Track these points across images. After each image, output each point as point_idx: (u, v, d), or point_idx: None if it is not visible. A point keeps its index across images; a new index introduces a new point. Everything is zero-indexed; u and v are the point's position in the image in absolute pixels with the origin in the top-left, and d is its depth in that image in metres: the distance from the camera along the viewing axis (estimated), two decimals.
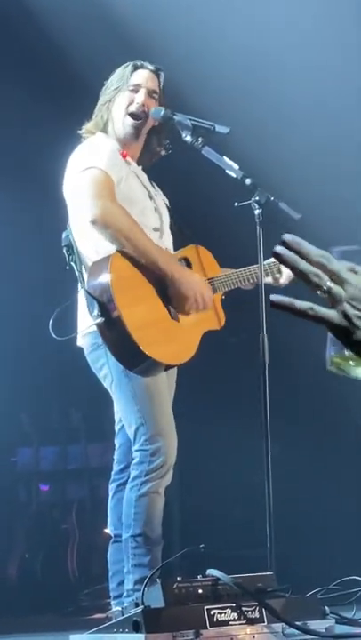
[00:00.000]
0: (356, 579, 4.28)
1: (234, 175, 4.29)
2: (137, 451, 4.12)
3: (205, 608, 3.59)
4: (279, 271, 4.42)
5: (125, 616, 3.60)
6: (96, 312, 3.98)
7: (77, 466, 7.11)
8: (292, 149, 6.44)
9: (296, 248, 1.47)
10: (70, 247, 4.24)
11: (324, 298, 1.49)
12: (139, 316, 4.01)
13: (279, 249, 1.47)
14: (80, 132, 4.35)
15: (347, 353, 1.55)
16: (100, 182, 4.08)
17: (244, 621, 3.63)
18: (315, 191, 6.11)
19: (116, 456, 4.33)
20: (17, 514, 7.01)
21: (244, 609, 3.64)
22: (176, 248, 4.40)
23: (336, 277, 1.48)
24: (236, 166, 4.29)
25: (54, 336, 4.07)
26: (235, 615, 3.62)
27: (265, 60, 6.39)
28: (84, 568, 6.59)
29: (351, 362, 1.57)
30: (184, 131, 4.31)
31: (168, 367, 4.17)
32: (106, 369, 4.17)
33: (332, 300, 1.48)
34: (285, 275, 4.43)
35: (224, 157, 4.31)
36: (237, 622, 3.62)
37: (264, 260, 4.28)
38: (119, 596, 4.12)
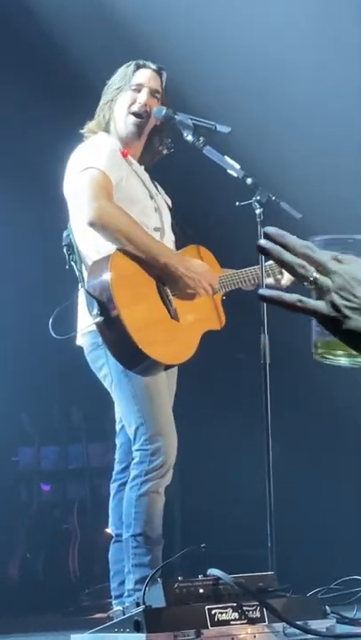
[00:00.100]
0: (356, 578, 4.28)
1: (235, 175, 4.29)
2: (137, 450, 4.12)
3: (206, 608, 3.59)
4: (281, 272, 4.42)
5: (126, 616, 3.61)
6: (95, 311, 3.98)
7: (78, 465, 7.10)
8: (293, 149, 6.44)
9: (280, 240, 1.47)
10: (71, 246, 4.24)
11: (311, 289, 1.49)
12: (138, 315, 4.01)
13: (263, 242, 1.47)
14: (82, 131, 4.35)
15: (331, 340, 1.55)
16: (97, 183, 4.08)
17: (245, 621, 3.63)
18: (316, 191, 6.11)
19: (117, 456, 4.34)
20: (18, 513, 7.01)
21: (245, 608, 3.64)
22: (178, 248, 4.40)
23: (322, 268, 1.48)
24: (237, 166, 4.30)
25: (54, 335, 4.07)
26: (236, 615, 3.63)
27: (266, 59, 6.38)
28: (85, 568, 6.59)
29: (339, 351, 1.58)
30: (185, 130, 4.32)
31: (168, 367, 4.18)
32: (105, 369, 4.17)
33: (320, 291, 1.48)
34: (287, 276, 4.43)
35: (225, 157, 4.31)
36: (238, 622, 3.62)
37: (265, 260, 4.28)
38: (120, 596, 4.12)
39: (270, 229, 1.48)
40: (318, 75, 6.45)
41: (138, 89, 4.33)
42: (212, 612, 3.59)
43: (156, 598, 3.60)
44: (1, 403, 6.61)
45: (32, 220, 6.55)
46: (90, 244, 4.15)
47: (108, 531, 4.33)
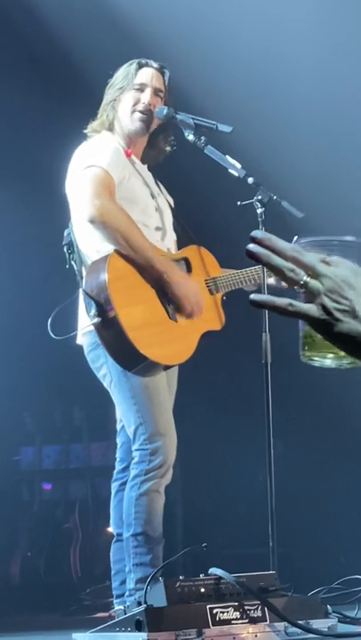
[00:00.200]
0: (358, 578, 4.28)
1: (236, 174, 4.29)
2: (136, 450, 4.12)
3: (208, 607, 3.59)
4: None
5: (128, 615, 3.61)
6: (93, 312, 3.98)
7: (80, 465, 7.11)
8: (294, 148, 6.44)
9: (268, 244, 1.47)
10: (71, 245, 4.24)
11: (301, 292, 1.49)
12: (136, 316, 4.01)
13: (251, 246, 1.47)
14: (85, 131, 4.35)
15: (318, 342, 1.55)
16: (100, 181, 4.08)
17: (246, 620, 3.63)
18: (317, 190, 6.11)
19: (117, 455, 4.34)
20: (19, 513, 7.01)
21: (246, 608, 3.64)
22: (180, 248, 4.40)
23: (311, 271, 1.48)
24: (238, 165, 4.29)
25: (52, 336, 4.07)
26: (237, 614, 3.63)
27: (268, 58, 6.38)
28: (86, 567, 6.59)
29: (326, 352, 1.58)
30: (187, 130, 4.31)
31: (167, 367, 4.17)
32: (105, 368, 4.17)
33: (310, 295, 1.48)
34: None
35: (227, 156, 4.31)
36: (240, 621, 3.62)
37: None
38: (121, 595, 4.12)
39: (258, 233, 1.48)
40: (320, 73, 6.45)
41: (141, 89, 4.32)
42: (214, 611, 3.59)
43: (158, 597, 3.60)
44: (2, 402, 6.61)
45: (33, 220, 6.55)
46: (90, 244, 4.14)
47: (110, 530, 4.34)
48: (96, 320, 3.96)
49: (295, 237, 4.14)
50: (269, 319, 4.21)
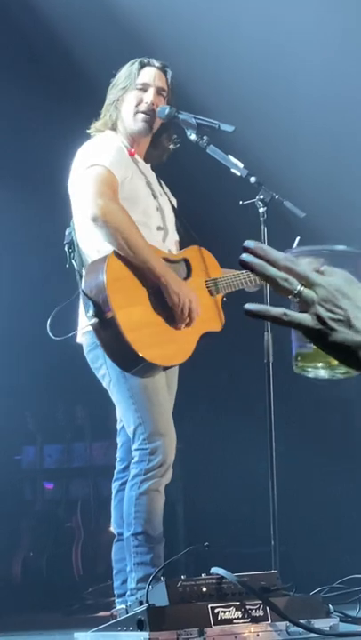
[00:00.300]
0: (359, 577, 4.28)
1: (238, 174, 4.29)
2: (136, 450, 4.12)
3: (209, 606, 3.59)
4: None
5: (130, 614, 3.61)
6: (91, 312, 3.97)
7: (82, 464, 7.11)
8: (296, 148, 6.44)
9: (261, 254, 1.46)
10: (72, 245, 4.24)
11: (295, 302, 1.48)
12: (134, 317, 4.01)
13: (245, 256, 1.46)
14: (89, 131, 4.35)
15: (311, 352, 1.55)
16: (103, 180, 4.08)
17: (248, 620, 3.63)
18: (319, 189, 6.11)
19: (118, 455, 4.34)
20: (21, 512, 7.02)
21: (248, 607, 3.64)
22: (182, 248, 4.39)
23: (305, 281, 1.47)
24: (240, 164, 4.29)
25: (51, 336, 4.07)
26: (239, 613, 3.63)
27: (270, 57, 6.38)
28: (88, 566, 6.59)
29: (320, 363, 1.57)
30: (189, 129, 4.31)
31: (166, 368, 4.17)
32: (104, 368, 4.17)
33: (304, 304, 1.47)
34: None
35: (229, 156, 4.31)
36: (241, 621, 3.62)
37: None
38: (123, 595, 4.12)
39: (251, 243, 1.47)
40: (323, 73, 6.45)
41: (144, 88, 4.31)
42: (216, 610, 3.59)
43: (160, 597, 3.60)
44: (4, 401, 6.61)
45: (33, 220, 6.56)
46: (91, 243, 4.14)
47: (112, 529, 4.34)
48: (94, 320, 3.96)
49: (297, 239, 4.15)
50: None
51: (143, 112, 4.29)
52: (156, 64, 4.36)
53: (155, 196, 4.32)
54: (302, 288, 1.47)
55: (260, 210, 4.29)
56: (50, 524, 6.84)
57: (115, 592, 4.23)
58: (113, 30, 6.29)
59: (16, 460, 7.21)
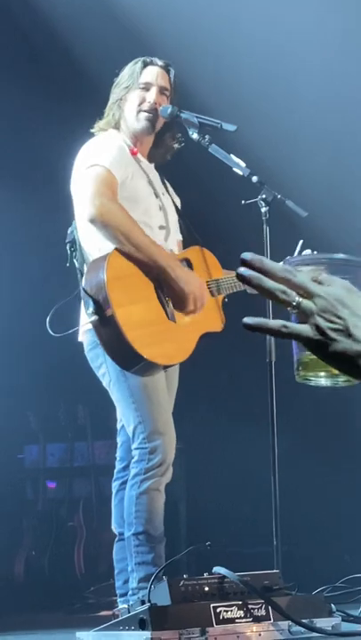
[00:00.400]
0: None
1: (241, 173, 4.29)
2: (136, 449, 4.12)
3: (212, 606, 3.59)
4: None
5: (132, 614, 3.61)
6: (91, 310, 3.98)
7: (84, 463, 7.11)
8: (298, 147, 6.44)
9: (259, 266, 1.44)
10: (74, 243, 4.24)
11: (294, 313, 1.47)
12: (134, 315, 4.01)
13: (242, 270, 1.44)
14: (92, 130, 4.34)
15: (312, 360, 1.54)
16: (102, 180, 4.07)
17: (250, 619, 3.63)
18: (321, 189, 6.11)
19: (118, 454, 4.34)
20: (24, 511, 7.02)
21: (250, 607, 3.64)
22: (184, 248, 4.39)
23: (304, 291, 1.46)
24: (242, 164, 4.29)
25: (51, 333, 4.07)
26: (241, 613, 3.63)
27: (272, 57, 6.38)
28: (90, 565, 6.60)
29: (321, 371, 1.57)
30: (191, 128, 4.31)
31: (166, 367, 4.17)
32: (104, 368, 4.17)
33: (304, 315, 1.46)
34: None
35: (231, 155, 4.30)
36: (244, 620, 3.62)
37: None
38: (125, 594, 4.12)
39: (248, 255, 1.45)
40: (325, 72, 6.45)
41: (147, 87, 4.31)
42: (218, 610, 3.59)
43: (162, 596, 3.61)
44: (7, 400, 6.62)
45: (33, 220, 6.56)
46: (92, 242, 4.14)
47: (113, 529, 4.33)
48: (94, 318, 3.96)
49: (300, 242, 4.15)
50: (274, 318, 4.20)
51: (146, 111, 4.29)
52: (159, 63, 4.36)
53: (157, 195, 4.32)
54: (301, 299, 1.45)
55: (263, 209, 4.28)
56: (52, 523, 6.84)
57: (116, 592, 4.23)
58: (113, 29, 6.29)
59: (19, 459, 7.21)
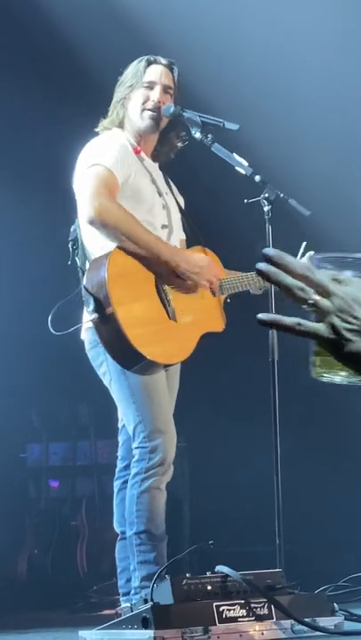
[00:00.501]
0: None
1: (243, 172, 4.28)
2: (136, 448, 4.12)
3: (214, 604, 3.59)
4: None
5: (134, 612, 3.62)
6: (91, 308, 3.98)
7: (87, 462, 7.11)
8: (302, 146, 6.44)
9: (279, 262, 1.44)
10: (76, 241, 4.24)
11: (310, 311, 1.46)
12: (134, 314, 4.01)
13: (262, 265, 1.44)
14: (96, 129, 4.34)
15: (329, 358, 1.53)
16: (101, 180, 4.07)
17: (253, 618, 3.63)
18: (324, 188, 6.11)
19: (119, 453, 4.33)
20: (26, 510, 7.02)
21: (253, 605, 3.64)
22: (189, 248, 4.39)
23: (322, 290, 1.45)
24: (245, 163, 4.29)
25: (52, 331, 4.07)
26: (244, 612, 3.63)
27: (275, 55, 6.38)
28: (93, 564, 6.60)
29: (337, 369, 1.56)
30: (193, 127, 4.31)
31: (167, 366, 4.17)
32: (105, 366, 4.17)
33: (320, 314, 1.45)
34: None
35: (233, 154, 4.30)
36: (246, 619, 3.63)
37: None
38: (128, 593, 4.12)
39: (270, 251, 1.45)
40: (328, 71, 6.44)
41: (150, 86, 4.31)
42: (220, 608, 3.60)
43: (164, 595, 3.61)
44: (10, 399, 6.62)
45: (34, 220, 6.57)
46: (95, 241, 4.14)
47: (115, 528, 4.34)
48: (94, 316, 3.97)
49: (303, 244, 4.16)
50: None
51: (150, 110, 4.29)
52: (163, 62, 4.35)
53: (160, 194, 4.32)
54: (318, 297, 1.44)
55: (265, 208, 4.28)
56: (55, 521, 6.84)
57: (119, 591, 4.23)
58: (115, 29, 6.29)
59: (21, 458, 7.21)
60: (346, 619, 3.83)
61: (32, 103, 6.45)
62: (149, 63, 4.33)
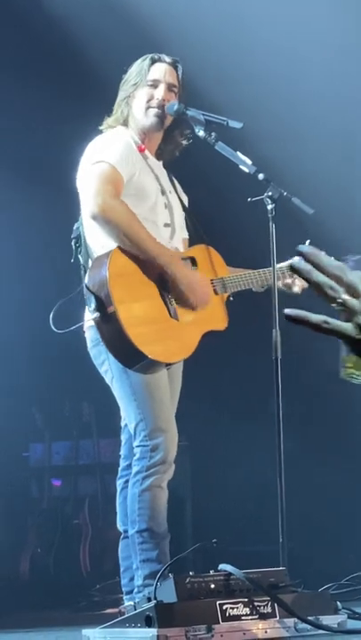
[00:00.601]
0: None
1: (247, 170, 4.28)
2: (137, 447, 4.12)
3: (218, 603, 3.59)
4: (291, 276, 4.39)
5: (138, 611, 3.61)
6: (92, 307, 3.98)
7: (89, 461, 7.11)
8: (305, 144, 6.44)
9: (312, 259, 1.45)
10: (79, 239, 4.24)
11: (338, 310, 1.46)
12: (135, 313, 4.00)
13: (295, 261, 1.45)
14: (100, 127, 4.34)
15: (357, 358, 1.53)
16: (106, 178, 4.07)
17: (256, 616, 3.63)
18: (328, 186, 6.10)
19: (122, 452, 4.33)
20: (29, 509, 7.03)
21: (256, 604, 3.64)
22: (191, 246, 4.39)
23: (352, 290, 1.45)
24: (249, 161, 4.29)
25: (54, 328, 4.07)
26: (247, 610, 3.63)
27: (279, 53, 6.37)
28: (95, 563, 6.60)
29: None
30: (197, 126, 4.30)
31: (169, 365, 4.17)
32: (106, 365, 4.16)
33: (348, 313, 1.45)
34: (298, 283, 4.40)
35: (237, 152, 4.30)
36: (250, 617, 3.63)
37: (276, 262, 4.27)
38: (131, 592, 4.12)
39: (305, 248, 1.45)
40: (331, 70, 6.44)
41: (155, 84, 4.30)
42: (224, 607, 3.60)
43: (168, 593, 3.61)
44: (12, 398, 6.62)
45: (35, 219, 6.57)
46: (97, 239, 4.14)
47: (118, 526, 4.33)
48: (96, 315, 3.97)
49: (307, 241, 4.17)
50: (280, 315, 4.20)
51: (154, 108, 4.28)
52: (167, 60, 4.35)
53: (163, 193, 4.32)
54: (347, 297, 1.45)
55: (269, 207, 4.28)
56: (57, 520, 6.85)
57: (122, 589, 4.23)
58: (119, 27, 6.29)
59: (24, 457, 7.22)
60: (349, 617, 3.83)
61: (35, 101, 6.45)
62: (154, 61, 4.33)
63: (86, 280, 4.08)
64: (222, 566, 3.74)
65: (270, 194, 4.26)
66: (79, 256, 4.23)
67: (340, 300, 1.45)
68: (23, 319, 6.46)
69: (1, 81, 6.46)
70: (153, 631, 3.50)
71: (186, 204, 4.47)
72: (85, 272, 4.15)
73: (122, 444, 4.34)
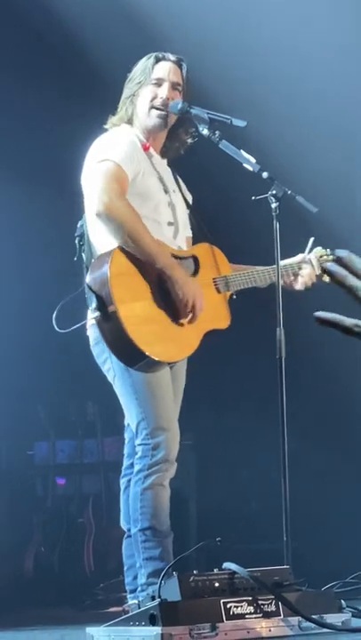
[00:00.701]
0: None
1: (251, 169, 4.28)
2: (139, 445, 4.11)
3: (222, 601, 3.59)
4: (293, 275, 4.39)
5: (142, 609, 3.61)
6: (94, 306, 3.97)
7: (94, 460, 7.12)
8: (309, 143, 6.43)
9: (348, 264, 1.47)
10: (83, 237, 4.24)
11: None
12: (137, 312, 4.00)
13: (330, 264, 1.47)
14: (105, 126, 4.34)
15: None
16: (111, 176, 4.07)
17: (260, 615, 3.63)
18: (332, 185, 6.10)
19: (125, 450, 4.32)
20: (33, 507, 7.03)
21: (260, 602, 3.64)
22: (195, 245, 4.39)
23: None
24: (253, 160, 4.28)
25: (56, 328, 4.07)
26: (251, 609, 3.63)
27: (282, 52, 6.37)
28: (100, 561, 6.60)
29: None
30: (201, 124, 4.30)
31: (170, 364, 4.17)
32: (109, 363, 4.16)
33: None
34: (301, 280, 4.40)
35: (241, 151, 4.30)
36: (254, 616, 3.63)
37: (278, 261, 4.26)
38: (135, 590, 4.12)
39: (342, 253, 1.47)
40: (335, 68, 6.44)
41: (159, 83, 4.30)
42: (228, 605, 3.60)
43: (172, 592, 3.61)
44: (17, 397, 6.63)
45: (37, 219, 6.57)
46: (100, 237, 4.14)
47: (122, 525, 4.34)
48: (97, 314, 3.96)
49: (311, 239, 4.15)
50: (284, 314, 4.20)
51: (158, 107, 4.28)
52: (172, 58, 4.34)
53: (166, 192, 4.31)
54: None
55: (273, 205, 4.27)
56: (62, 519, 6.85)
57: (126, 588, 4.23)
58: (123, 26, 6.29)
59: (28, 456, 7.23)
60: (353, 615, 3.83)
61: (36, 101, 6.46)
62: (158, 60, 4.32)
63: (87, 279, 4.08)
64: (226, 565, 3.75)
65: (274, 192, 4.26)
66: (82, 254, 4.23)
67: None
68: (27, 318, 6.46)
69: (2, 80, 6.47)
70: (157, 629, 3.50)
71: (190, 202, 4.47)
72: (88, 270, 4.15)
73: (125, 442, 4.33)
